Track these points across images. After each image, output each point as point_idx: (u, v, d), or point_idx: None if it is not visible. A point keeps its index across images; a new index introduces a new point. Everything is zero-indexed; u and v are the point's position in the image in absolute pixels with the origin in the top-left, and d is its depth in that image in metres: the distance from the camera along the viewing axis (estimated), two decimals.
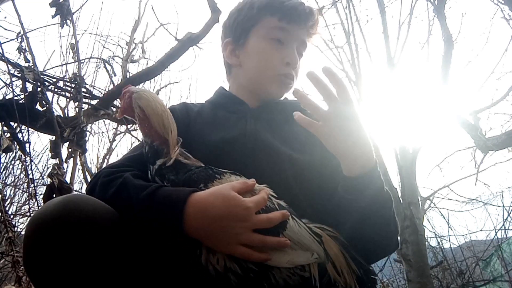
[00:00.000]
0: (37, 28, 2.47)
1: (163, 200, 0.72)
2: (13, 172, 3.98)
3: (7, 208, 3.73)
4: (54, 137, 2.15)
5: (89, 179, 3.55)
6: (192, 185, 0.75)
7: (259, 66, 1.06)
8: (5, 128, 2.10)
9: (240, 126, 0.98)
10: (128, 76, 3.59)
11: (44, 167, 3.91)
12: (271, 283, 0.71)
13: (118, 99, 2.68)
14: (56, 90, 2.39)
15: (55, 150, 2.11)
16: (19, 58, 2.27)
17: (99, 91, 2.93)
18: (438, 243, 5.41)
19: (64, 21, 2.35)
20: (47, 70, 2.48)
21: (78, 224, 0.66)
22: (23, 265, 0.69)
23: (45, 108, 2.18)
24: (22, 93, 2.12)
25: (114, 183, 0.77)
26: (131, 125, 2.57)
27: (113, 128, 4.30)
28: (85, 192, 0.85)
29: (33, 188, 2.32)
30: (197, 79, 9.32)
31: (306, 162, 0.93)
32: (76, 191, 3.56)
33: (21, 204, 4.20)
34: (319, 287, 0.71)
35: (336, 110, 0.78)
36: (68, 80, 2.57)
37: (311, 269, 0.72)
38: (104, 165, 3.79)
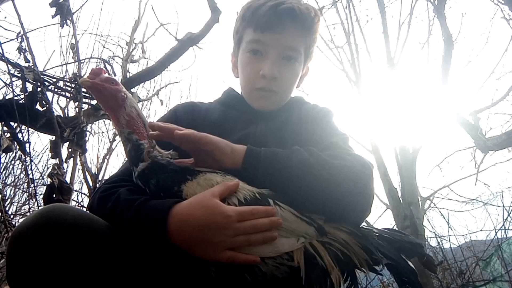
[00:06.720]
0: (37, 28, 2.46)
1: (149, 213, 0.73)
2: (13, 172, 3.99)
3: (7, 208, 3.73)
4: (54, 137, 2.15)
5: (89, 179, 3.54)
6: (167, 189, 0.77)
7: (242, 80, 1.08)
8: (5, 128, 2.11)
9: (250, 127, 1.00)
10: (128, 76, 3.59)
11: (44, 167, 3.91)
12: (255, 276, 0.70)
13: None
14: (56, 90, 2.39)
15: (55, 150, 2.11)
16: (19, 58, 2.27)
17: None
18: (438, 243, 5.39)
19: (64, 21, 2.36)
20: (47, 70, 2.47)
21: (57, 233, 0.66)
22: (6, 279, 0.68)
23: (45, 108, 2.18)
24: (22, 93, 2.12)
25: (110, 199, 0.79)
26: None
27: (113, 128, 4.29)
28: (87, 204, 0.86)
29: (33, 188, 2.32)
30: (197, 79, 9.38)
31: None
32: (76, 191, 3.57)
33: (21, 204, 4.20)
34: (305, 276, 0.69)
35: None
36: (68, 80, 2.56)
37: (295, 256, 0.70)
38: (104, 165, 3.78)
